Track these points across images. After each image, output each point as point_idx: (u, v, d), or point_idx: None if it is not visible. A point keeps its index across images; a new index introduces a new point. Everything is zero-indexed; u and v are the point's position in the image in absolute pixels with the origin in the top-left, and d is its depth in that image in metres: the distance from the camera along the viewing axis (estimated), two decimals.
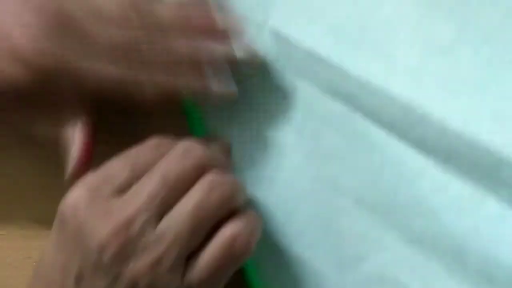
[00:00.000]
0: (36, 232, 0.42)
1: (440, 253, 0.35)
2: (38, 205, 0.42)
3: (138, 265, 0.33)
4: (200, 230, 0.34)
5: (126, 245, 0.33)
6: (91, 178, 0.34)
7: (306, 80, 0.39)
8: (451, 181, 0.35)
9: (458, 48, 0.35)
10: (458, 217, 0.35)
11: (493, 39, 0.34)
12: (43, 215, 0.40)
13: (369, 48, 0.37)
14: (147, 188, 0.34)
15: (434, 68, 0.36)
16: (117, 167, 0.35)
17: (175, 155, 0.35)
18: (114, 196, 0.34)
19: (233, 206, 0.34)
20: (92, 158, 0.38)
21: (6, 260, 0.42)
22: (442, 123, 0.35)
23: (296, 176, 0.39)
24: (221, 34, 0.39)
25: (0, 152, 0.43)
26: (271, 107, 0.40)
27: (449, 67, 0.35)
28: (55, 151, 0.39)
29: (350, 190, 0.37)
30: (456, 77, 0.35)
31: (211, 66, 0.39)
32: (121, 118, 0.42)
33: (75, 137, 0.38)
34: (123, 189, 0.34)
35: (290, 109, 0.39)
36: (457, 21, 0.35)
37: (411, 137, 0.36)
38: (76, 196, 0.34)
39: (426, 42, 0.36)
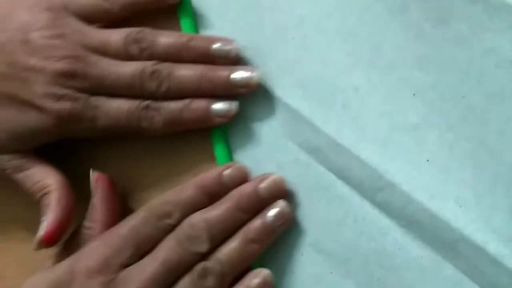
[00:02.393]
0: (36, 233, 0.41)
1: None
2: (38, 206, 0.41)
3: None
4: None
5: None
6: (101, 249, 0.37)
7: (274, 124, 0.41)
8: (413, 243, 0.38)
9: (425, 130, 0.38)
10: (420, 275, 0.38)
11: (456, 128, 0.37)
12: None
13: (339, 109, 0.39)
14: (150, 269, 0.37)
15: (402, 142, 0.38)
16: (122, 242, 0.37)
17: (179, 242, 0.37)
18: (119, 270, 0.37)
19: None
20: (66, 229, 0.39)
21: (6, 260, 0.43)
22: (408, 194, 0.38)
23: None
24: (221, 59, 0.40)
25: None
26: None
27: (415, 144, 0.38)
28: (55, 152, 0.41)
29: (308, 233, 0.40)
30: (422, 155, 0.38)
31: (213, 89, 0.40)
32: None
33: (54, 207, 0.38)
34: (127, 265, 0.37)
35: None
36: (424, 104, 0.38)
37: (376, 199, 0.39)
38: (86, 266, 0.37)
39: (394, 117, 0.39)
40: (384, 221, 0.39)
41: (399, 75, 0.39)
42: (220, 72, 0.40)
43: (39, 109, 0.38)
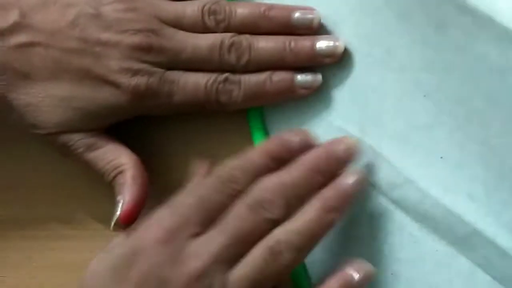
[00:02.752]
0: (36, 233, 0.42)
1: None
2: (38, 206, 0.43)
3: None
4: None
5: None
6: (168, 218, 0.35)
7: None
8: (428, 237, 0.39)
9: (437, 129, 0.39)
10: (435, 268, 0.39)
11: (463, 128, 0.39)
12: (43, 216, 0.42)
13: (361, 108, 0.40)
14: (218, 240, 0.34)
15: (417, 140, 0.40)
16: (190, 211, 0.35)
17: (250, 208, 0.35)
18: (188, 240, 0.35)
19: (291, 271, 0.35)
20: (142, 208, 0.38)
21: (6, 260, 0.43)
22: (424, 190, 0.39)
23: None
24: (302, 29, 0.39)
25: (0, 151, 0.44)
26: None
27: (429, 143, 0.39)
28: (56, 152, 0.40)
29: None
30: (436, 152, 0.39)
31: (296, 60, 0.39)
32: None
33: (130, 185, 0.38)
34: (196, 235, 0.35)
35: None
36: (434, 105, 0.39)
37: (393, 195, 0.40)
38: (154, 236, 0.34)
39: (409, 116, 0.40)
40: (400, 216, 0.40)
41: (411, 76, 0.40)
42: (303, 42, 0.39)
43: (114, 85, 0.37)
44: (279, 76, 0.39)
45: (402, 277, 0.39)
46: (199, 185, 0.37)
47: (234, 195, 0.36)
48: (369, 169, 0.40)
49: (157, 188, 0.40)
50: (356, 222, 0.40)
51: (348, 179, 0.37)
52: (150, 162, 0.40)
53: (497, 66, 0.38)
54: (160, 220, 0.35)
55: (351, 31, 0.41)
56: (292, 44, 0.39)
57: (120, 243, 0.36)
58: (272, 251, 0.34)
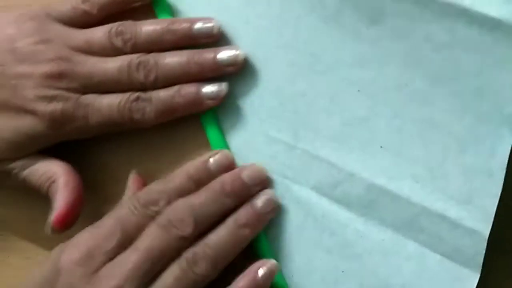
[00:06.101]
0: (36, 233, 0.42)
1: None
2: (38, 205, 0.41)
3: None
4: None
5: None
6: (87, 240, 0.37)
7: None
8: (373, 229, 0.39)
9: (373, 120, 0.40)
10: (383, 258, 0.39)
11: (401, 113, 0.39)
12: (43, 216, 0.40)
13: (290, 115, 0.41)
14: (131, 259, 0.36)
15: (355, 135, 0.40)
16: (109, 232, 0.37)
17: (161, 227, 0.37)
18: (103, 262, 0.36)
19: (210, 280, 0.37)
20: (76, 212, 0.38)
21: (6, 260, 0.42)
22: (367, 181, 0.39)
23: None
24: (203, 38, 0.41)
25: None
26: None
27: (368, 134, 0.40)
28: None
29: (270, 241, 0.40)
30: (375, 143, 0.40)
31: (201, 72, 0.40)
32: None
33: (61, 191, 0.38)
34: (111, 257, 0.36)
35: None
36: (368, 98, 0.40)
37: (335, 194, 0.40)
38: (72, 257, 0.36)
39: (343, 113, 0.40)
40: (344, 214, 0.39)
41: (341, 75, 0.40)
42: (206, 54, 0.40)
43: (32, 112, 0.38)
44: (187, 90, 0.40)
45: (353, 273, 0.39)
46: (120, 207, 0.38)
47: (152, 217, 0.38)
48: (305, 172, 0.40)
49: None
50: (302, 227, 0.40)
51: (258, 200, 0.39)
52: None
53: (442, 43, 0.39)
54: (80, 241, 0.37)
55: (274, 43, 0.42)
56: (196, 57, 0.40)
57: (44, 262, 0.37)
58: (188, 261, 0.36)
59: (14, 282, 0.42)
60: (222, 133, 0.42)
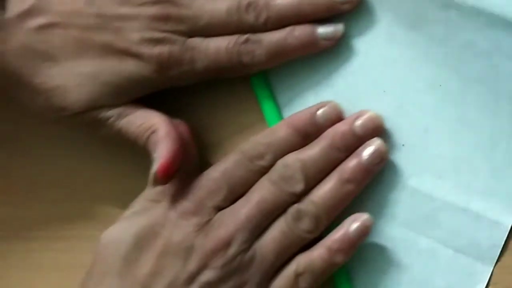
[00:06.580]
0: (35, 233, 0.42)
1: None
2: (38, 206, 0.43)
3: (227, 286, 0.36)
4: (284, 256, 0.37)
5: (225, 265, 0.36)
6: (194, 191, 0.37)
7: None
8: (384, 227, 0.40)
9: (397, 120, 0.40)
10: (393, 254, 0.40)
11: (430, 113, 0.40)
12: (43, 216, 0.43)
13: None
14: (244, 211, 0.36)
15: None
16: (215, 185, 0.37)
17: (273, 183, 0.37)
18: (212, 212, 0.37)
19: (314, 236, 0.37)
20: (179, 162, 0.37)
21: (6, 260, 0.43)
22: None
23: None
24: None
25: (0, 151, 0.43)
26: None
27: (390, 133, 0.40)
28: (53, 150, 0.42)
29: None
30: (397, 141, 0.40)
31: (315, 11, 0.39)
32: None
33: (164, 141, 0.37)
34: (220, 208, 0.37)
35: None
36: (393, 99, 0.40)
37: None
38: (180, 208, 0.37)
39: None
40: None
41: (369, 75, 0.41)
42: None
43: (138, 56, 0.37)
44: (300, 30, 0.38)
45: (363, 271, 0.40)
46: (225, 160, 0.38)
47: (258, 171, 0.38)
48: None
49: None
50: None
51: (365, 151, 0.38)
52: None
53: (483, 50, 0.39)
54: (187, 192, 0.37)
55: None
56: None
57: (147, 211, 0.38)
58: (293, 217, 0.37)
59: (14, 282, 0.42)
60: (278, 107, 0.41)
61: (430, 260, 0.39)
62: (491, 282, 0.39)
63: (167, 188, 0.38)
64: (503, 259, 0.39)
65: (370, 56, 0.40)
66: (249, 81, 0.41)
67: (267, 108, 0.41)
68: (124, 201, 0.40)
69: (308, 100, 0.41)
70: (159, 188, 0.38)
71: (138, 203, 0.39)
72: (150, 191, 0.39)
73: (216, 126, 0.41)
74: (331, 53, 0.40)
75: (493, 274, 0.39)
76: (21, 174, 0.43)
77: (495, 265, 0.39)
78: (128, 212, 0.39)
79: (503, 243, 0.39)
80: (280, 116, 0.41)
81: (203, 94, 0.41)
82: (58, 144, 0.42)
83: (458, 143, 0.40)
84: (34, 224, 0.42)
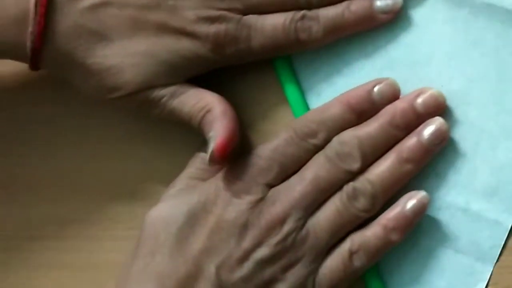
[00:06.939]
0: (36, 233, 0.42)
1: None
2: (39, 206, 0.42)
3: (281, 263, 0.36)
4: (338, 235, 0.36)
5: (279, 243, 0.36)
6: (246, 169, 0.36)
7: None
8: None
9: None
10: (393, 254, 0.39)
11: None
12: (43, 216, 0.42)
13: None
14: (298, 188, 0.36)
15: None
16: (267, 163, 0.37)
17: (328, 160, 0.36)
18: (265, 189, 0.36)
19: (370, 215, 0.36)
20: (235, 141, 0.37)
21: (6, 260, 0.42)
22: None
23: None
24: None
25: (0, 151, 0.43)
26: None
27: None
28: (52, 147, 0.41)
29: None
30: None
31: None
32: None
33: (220, 119, 0.36)
34: (272, 185, 0.37)
35: None
36: None
37: None
38: (232, 185, 0.36)
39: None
40: None
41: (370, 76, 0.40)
42: None
43: (193, 35, 0.37)
44: (357, 4, 0.38)
45: None
46: (277, 138, 0.37)
47: (310, 149, 0.37)
48: None
49: None
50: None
51: (425, 130, 0.37)
52: None
53: (490, 46, 0.39)
54: (238, 171, 0.37)
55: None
56: None
57: (196, 189, 0.37)
58: (348, 195, 0.36)
59: (14, 282, 0.42)
60: (302, 91, 0.40)
61: (430, 260, 0.39)
62: (491, 282, 0.39)
63: (215, 167, 0.37)
64: (503, 259, 0.39)
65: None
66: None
67: (290, 91, 0.40)
68: (125, 201, 0.40)
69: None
70: (203, 165, 0.38)
71: (181, 182, 0.39)
72: (193, 170, 0.39)
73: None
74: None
75: (493, 274, 0.39)
76: (21, 174, 0.43)
77: (495, 265, 0.39)
78: (172, 191, 0.38)
79: (503, 243, 0.39)
80: (303, 100, 0.40)
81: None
82: (58, 144, 0.42)
83: (459, 143, 0.39)
84: (34, 224, 0.42)
